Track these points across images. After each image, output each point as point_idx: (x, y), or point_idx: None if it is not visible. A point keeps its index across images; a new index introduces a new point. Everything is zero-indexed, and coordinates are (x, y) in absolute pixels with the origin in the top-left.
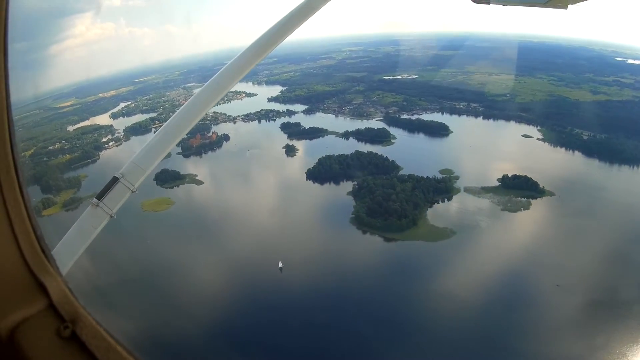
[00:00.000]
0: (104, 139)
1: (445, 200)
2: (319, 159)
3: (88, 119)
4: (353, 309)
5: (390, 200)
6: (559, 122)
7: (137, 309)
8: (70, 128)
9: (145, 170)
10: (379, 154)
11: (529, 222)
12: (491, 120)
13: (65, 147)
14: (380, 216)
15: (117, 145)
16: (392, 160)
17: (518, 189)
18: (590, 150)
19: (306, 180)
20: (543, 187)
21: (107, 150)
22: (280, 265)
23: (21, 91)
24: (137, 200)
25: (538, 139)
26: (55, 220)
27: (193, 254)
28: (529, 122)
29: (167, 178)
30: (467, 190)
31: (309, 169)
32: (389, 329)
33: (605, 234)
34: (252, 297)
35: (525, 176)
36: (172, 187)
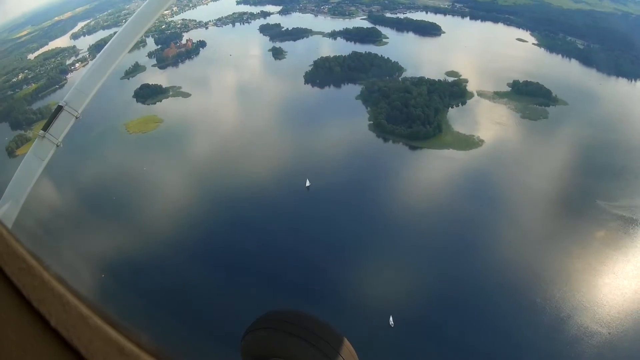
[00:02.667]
0: (69, 62)
1: (460, 104)
2: (314, 61)
3: (47, 44)
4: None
5: (410, 106)
6: (549, 28)
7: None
8: (31, 56)
9: (88, 94)
10: (379, 54)
11: (553, 132)
12: (479, 22)
13: (30, 77)
14: (403, 123)
15: (84, 66)
16: (395, 61)
17: (531, 95)
18: (588, 59)
19: (304, 84)
20: (556, 95)
21: (74, 72)
22: (307, 184)
23: None
24: (117, 122)
25: (533, 44)
26: None
27: (203, 175)
28: (518, 25)
29: (148, 93)
30: (481, 94)
31: (306, 72)
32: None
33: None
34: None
35: (537, 83)
36: (154, 103)
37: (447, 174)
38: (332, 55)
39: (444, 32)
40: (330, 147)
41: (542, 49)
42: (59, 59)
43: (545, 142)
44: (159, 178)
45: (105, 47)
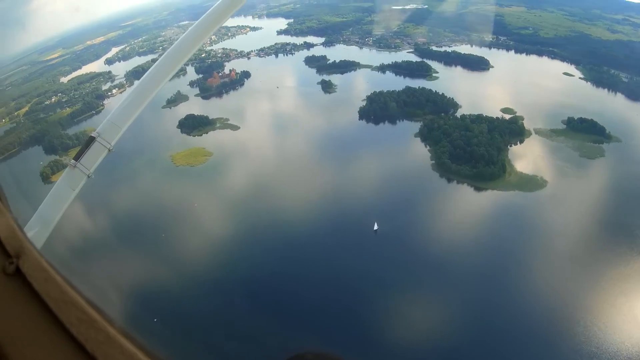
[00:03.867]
0: (105, 87)
1: (518, 143)
2: (367, 96)
3: (81, 68)
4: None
5: (474, 145)
6: (592, 61)
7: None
8: (64, 79)
9: (122, 127)
10: (433, 90)
11: (611, 170)
12: (524, 55)
13: (63, 100)
14: (467, 162)
15: (121, 92)
16: (451, 97)
17: (585, 132)
18: (633, 93)
19: (359, 119)
20: (609, 132)
21: (111, 98)
22: (375, 227)
23: (3, 50)
24: (163, 153)
25: (580, 78)
26: None
27: (259, 214)
28: (562, 58)
29: (194, 124)
30: (538, 132)
31: (361, 108)
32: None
33: None
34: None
35: (592, 120)
36: (200, 135)
37: (517, 217)
38: (384, 90)
39: (492, 67)
40: (394, 187)
41: (589, 83)
42: (94, 83)
43: (605, 182)
44: (211, 215)
45: (140, 80)
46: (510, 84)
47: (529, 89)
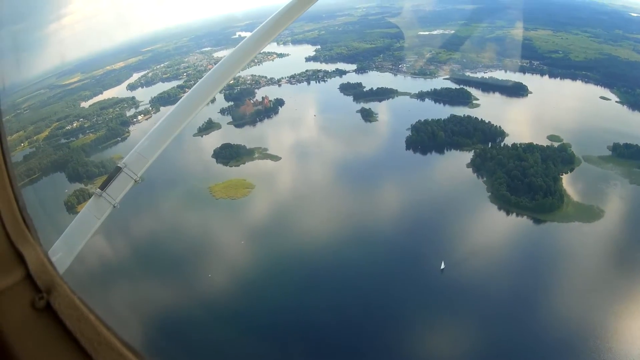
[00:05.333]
0: (129, 113)
1: (569, 171)
2: (413, 125)
3: (102, 93)
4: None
5: (530, 175)
6: (627, 84)
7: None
8: (85, 104)
9: (149, 159)
10: (479, 118)
11: None
12: (558, 79)
13: (86, 125)
14: (524, 194)
15: (147, 119)
16: (498, 126)
17: (632, 158)
18: None
19: (406, 150)
20: None
21: (137, 124)
22: (442, 266)
23: (21, 73)
24: (200, 184)
25: (616, 102)
26: None
27: (315, 252)
28: (596, 82)
29: (232, 154)
30: (587, 159)
31: (407, 137)
32: None
33: None
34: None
35: (637, 145)
36: (238, 165)
37: (585, 250)
38: (428, 119)
39: (530, 92)
40: (454, 221)
41: (625, 106)
42: (117, 109)
43: None
44: (259, 253)
45: (170, 111)
46: (551, 110)
47: (570, 115)
